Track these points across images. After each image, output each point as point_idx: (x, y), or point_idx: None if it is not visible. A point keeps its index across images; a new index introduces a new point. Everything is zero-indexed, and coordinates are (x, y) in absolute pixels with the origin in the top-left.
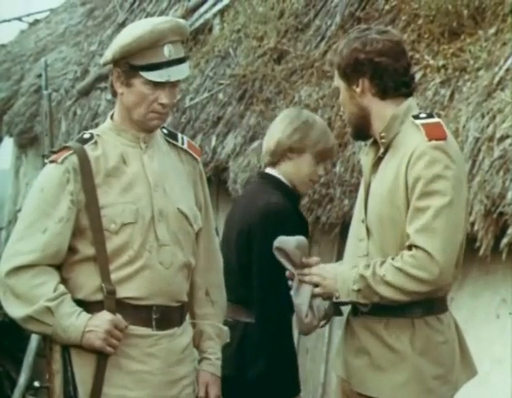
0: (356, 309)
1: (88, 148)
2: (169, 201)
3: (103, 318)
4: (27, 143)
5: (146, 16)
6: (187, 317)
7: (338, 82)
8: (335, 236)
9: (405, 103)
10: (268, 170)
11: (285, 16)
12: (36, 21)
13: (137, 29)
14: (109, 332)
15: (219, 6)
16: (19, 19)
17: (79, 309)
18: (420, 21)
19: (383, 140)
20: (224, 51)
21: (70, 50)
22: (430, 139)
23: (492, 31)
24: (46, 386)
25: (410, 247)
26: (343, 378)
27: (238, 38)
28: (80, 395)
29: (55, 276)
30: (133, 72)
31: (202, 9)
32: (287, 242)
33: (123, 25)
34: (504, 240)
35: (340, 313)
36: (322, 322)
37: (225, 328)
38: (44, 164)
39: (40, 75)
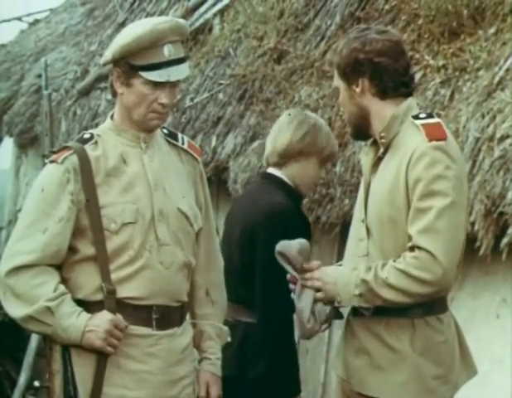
0: (356, 310)
1: (88, 147)
2: (169, 200)
3: (104, 318)
4: (27, 142)
5: (146, 16)
6: (187, 317)
7: (338, 82)
8: (336, 236)
9: (405, 103)
10: (271, 170)
11: (285, 16)
12: (36, 21)
13: (137, 29)
14: (109, 331)
15: (219, 6)
16: (19, 19)
17: (79, 309)
18: (420, 21)
19: (382, 140)
20: (224, 51)
21: (70, 50)
22: (430, 140)
23: (492, 31)
24: (46, 386)
25: (412, 248)
26: (343, 378)
27: (238, 38)
28: (80, 395)
29: (55, 276)
30: (133, 72)
31: (202, 9)
32: (289, 247)
33: (123, 25)
34: (505, 240)
35: (341, 317)
36: (324, 326)
37: (225, 328)
38: (44, 164)
39: (40, 75)
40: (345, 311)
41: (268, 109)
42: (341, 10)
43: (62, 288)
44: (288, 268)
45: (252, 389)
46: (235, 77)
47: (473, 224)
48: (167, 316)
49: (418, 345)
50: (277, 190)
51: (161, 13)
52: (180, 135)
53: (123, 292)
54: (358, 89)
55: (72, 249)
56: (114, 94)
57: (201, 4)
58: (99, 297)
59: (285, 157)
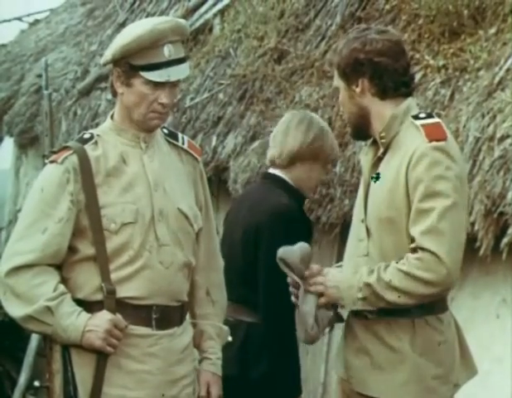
0: (359, 312)
1: (88, 147)
2: (169, 200)
3: (103, 318)
4: (28, 142)
5: (146, 16)
6: (187, 316)
7: (337, 82)
8: (336, 236)
9: (405, 103)
10: (274, 171)
11: (285, 16)
12: (37, 21)
13: (137, 29)
14: (109, 331)
15: (219, 6)
16: (19, 19)
17: (79, 309)
18: (420, 21)
19: (382, 140)
20: (225, 51)
21: (71, 50)
22: (430, 140)
23: (492, 31)
24: (46, 386)
25: (415, 250)
26: (343, 378)
27: (238, 38)
28: (80, 395)
29: (55, 276)
30: (133, 72)
31: (202, 9)
32: (291, 254)
33: (123, 25)
34: (505, 240)
35: (341, 320)
36: (326, 330)
37: (226, 328)
38: (44, 164)
39: (40, 75)
40: (345, 313)
41: (269, 109)
42: (342, 10)
43: (62, 287)
44: (290, 274)
45: (254, 389)
46: (236, 77)
47: (473, 224)
48: (167, 316)
49: (418, 345)
50: (281, 191)
51: (162, 13)
52: (180, 135)
53: (123, 292)
54: (358, 89)
55: (72, 249)
56: (114, 94)
57: (202, 4)
58: (98, 297)
59: (293, 160)
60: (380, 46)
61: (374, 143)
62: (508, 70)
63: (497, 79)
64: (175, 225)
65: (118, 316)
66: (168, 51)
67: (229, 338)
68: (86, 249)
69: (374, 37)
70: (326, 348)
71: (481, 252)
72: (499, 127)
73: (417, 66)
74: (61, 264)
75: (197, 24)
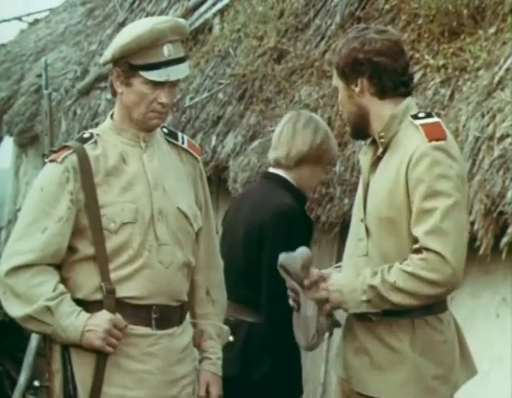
0: (362, 315)
1: (87, 147)
2: (169, 200)
3: (103, 318)
4: (27, 142)
5: (146, 16)
6: (187, 316)
7: (337, 81)
8: (335, 236)
9: (404, 102)
10: (275, 171)
11: (285, 15)
12: (36, 21)
13: (136, 28)
14: (109, 331)
15: (219, 5)
16: (19, 19)
17: (78, 309)
18: (420, 21)
19: (381, 140)
20: (224, 51)
21: (70, 49)
22: (430, 140)
23: (492, 30)
24: (46, 386)
25: (418, 250)
26: (343, 378)
27: (238, 38)
28: (80, 395)
29: (54, 275)
30: (133, 72)
31: (202, 9)
32: (293, 262)
33: (122, 24)
34: (504, 240)
35: (338, 325)
36: (325, 336)
37: (226, 328)
38: (44, 163)
39: (40, 75)
40: (343, 316)
41: (268, 108)
42: (341, 10)
43: (61, 287)
44: (290, 281)
45: (256, 389)
46: (235, 77)
47: (473, 223)
48: (167, 315)
49: (418, 345)
50: (283, 191)
51: (161, 13)
52: (180, 134)
53: (123, 291)
54: (357, 89)
55: (72, 249)
56: (114, 93)
57: (201, 4)
58: (98, 296)
59: (301, 161)
60: (379, 45)
61: (374, 142)
62: (507, 69)
63: (497, 78)
64: (174, 224)
65: (118, 316)
66: (168, 51)
67: (231, 338)
68: (86, 248)
69: (373, 37)
70: (326, 348)
71: (481, 251)
72: (499, 126)
73: (417, 66)
74: (61, 264)
75: (197, 24)
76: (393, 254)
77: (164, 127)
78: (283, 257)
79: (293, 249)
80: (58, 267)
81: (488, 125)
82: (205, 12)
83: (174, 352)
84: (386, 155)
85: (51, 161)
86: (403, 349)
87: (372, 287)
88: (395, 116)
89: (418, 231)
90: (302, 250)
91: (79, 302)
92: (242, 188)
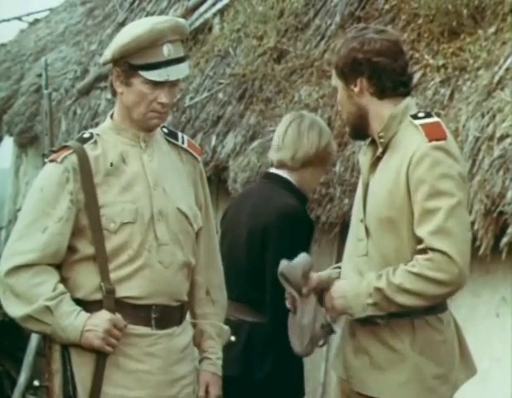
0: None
1: (87, 147)
2: (169, 200)
3: (102, 318)
4: (27, 142)
5: (146, 16)
6: (187, 316)
7: (336, 81)
8: (335, 236)
9: (403, 102)
10: (278, 172)
11: (285, 15)
12: (36, 21)
13: (136, 28)
14: (108, 331)
15: (218, 5)
16: (19, 18)
17: (78, 309)
18: (420, 21)
19: (381, 140)
20: (224, 51)
21: (70, 49)
22: (430, 140)
23: (492, 30)
24: (46, 385)
25: (424, 250)
26: (343, 378)
27: (238, 37)
28: (80, 395)
29: (54, 275)
30: (133, 71)
31: (202, 8)
32: (294, 271)
33: (122, 24)
34: (504, 240)
35: (334, 332)
36: (320, 343)
37: (226, 328)
38: (44, 163)
39: (40, 75)
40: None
41: (268, 108)
42: (341, 9)
43: (61, 287)
44: (289, 289)
45: (258, 389)
46: (235, 76)
47: (473, 223)
48: (167, 315)
49: (418, 344)
50: (285, 191)
51: (161, 13)
52: (180, 134)
53: (123, 291)
54: (356, 89)
55: (71, 249)
56: (114, 93)
57: (201, 4)
58: (98, 296)
59: (307, 163)
60: (379, 45)
61: (373, 142)
62: (507, 69)
63: (496, 78)
64: (174, 224)
65: (118, 315)
66: (167, 51)
67: (232, 338)
68: (85, 248)
69: (372, 37)
70: (326, 348)
71: (481, 251)
72: (499, 126)
73: (417, 66)
74: (61, 264)
75: (197, 23)
76: (393, 255)
77: (164, 127)
78: (284, 266)
79: (296, 249)
80: (58, 267)
81: (488, 125)
82: (205, 11)
83: (174, 352)
84: (386, 155)
85: (51, 161)
86: (403, 349)
87: (378, 289)
88: (395, 116)
89: (422, 231)
90: (303, 258)
91: (79, 302)
92: (242, 188)
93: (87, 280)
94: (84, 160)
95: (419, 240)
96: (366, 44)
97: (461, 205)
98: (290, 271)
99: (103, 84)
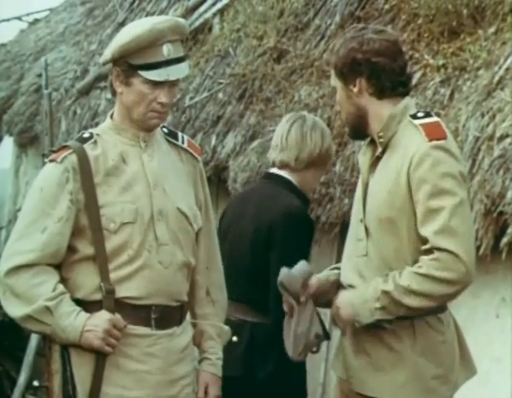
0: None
1: (87, 147)
2: (169, 200)
3: (102, 318)
4: (27, 142)
5: (146, 16)
6: (188, 316)
7: (335, 82)
8: (335, 236)
9: (402, 102)
10: (279, 172)
11: (285, 15)
12: (36, 21)
13: (136, 28)
14: (108, 331)
15: (218, 5)
16: (19, 18)
17: (77, 309)
18: (420, 21)
19: (381, 140)
20: (224, 51)
21: (70, 49)
22: (431, 139)
23: (492, 30)
24: (46, 386)
25: (429, 251)
26: (343, 378)
27: (237, 37)
28: (79, 395)
29: (54, 275)
30: (132, 71)
31: (202, 8)
32: (294, 281)
33: (122, 24)
34: (504, 240)
35: (328, 337)
36: (314, 349)
37: (226, 328)
38: (44, 163)
39: (40, 75)
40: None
41: (268, 108)
42: (341, 9)
43: (61, 287)
44: (288, 298)
45: (260, 389)
46: (235, 76)
47: (473, 223)
48: (166, 316)
49: (418, 345)
50: (288, 192)
51: (161, 13)
52: (180, 134)
53: (122, 291)
54: (355, 89)
55: (71, 249)
56: (114, 93)
57: (201, 3)
58: (97, 296)
59: (308, 164)
60: (378, 45)
61: (372, 142)
62: (507, 69)
63: (496, 78)
64: (174, 224)
65: (117, 316)
66: (167, 51)
67: (234, 338)
68: (85, 248)
69: (371, 37)
70: (326, 348)
71: (481, 251)
72: (499, 126)
73: (417, 66)
74: (61, 264)
75: (196, 23)
76: (393, 255)
77: (164, 127)
78: (284, 275)
79: (301, 250)
80: (58, 267)
81: (488, 125)
82: (205, 11)
83: (173, 352)
84: (385, 155)
85: (51, 161)
86: (403, 349)
87: (385, 292)
88: (394, 116)
89: (427, 231)
90: (302, 267)
91: (79, 302)
92: (242, 188)
93: (87, 280)
94: (83, 160)
95: (422, 240)
96: (365, 44)
97: (464, 203)
98: (290, 281)
99: (103, 84)
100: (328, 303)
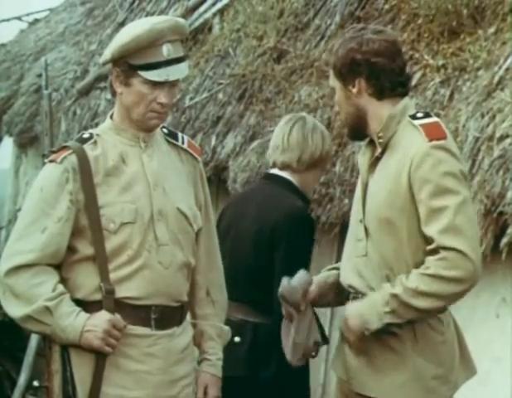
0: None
1: (87, 147)
2: (168, 200)
3: (102, 318)
4: (27, 142)
5: (145, 16)
6: (188, 316)
7: (334, 82)
8: (335, 236)
9: (401, 102)
10: (280, 173)
11: (285, 15)
12: (36, 21)
13: (135, 28)
14: (108, 331)
15: (218, 5)
16: (19, 18)
17: (77, 309)
18: (420, 21)
19: (380, 140)
20: (224, 51)
21: (70, 49)
22: (431, 139)
23: (492, 30)
24: (46, 386)
25: (435, 251)
26: (343, 379)
27: (237, 38)
28: (79, 395)
29: (54, 276)
30: (132, 71)
31: (202, 8)
32: (294, 293)
33: (122, 24)
34: (504, 240)
35: (327, 342)
36: (312, 354)
37: (226, 328)
38: (44, 164)
39: (40, 75)
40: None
41: (268, 108)
42: (341, 9)
43: (61, 287)
44: (290, 309)
45: (263, 389)
46: (235, 77)
47: None
48: (166, 316)
49: (419, 345)
50: (289, 192)
51: (161, 13)
52: (180, 134)
53: (122, 292)
54: (354, 90)
55: (71, 249)
56: (114, 93)
57: (201, 4)
58: (97, 297)
59: (310, 165)
60: (377, 46)
61: (371, 142)
62: (507, 69)
63: (496, 78)
64: (174, 224)
65: (117, 316)
66: (167, 51)
67: (237, 339)
68: (85, 249)
69: (370, 37)
70: (326, 348)
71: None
72: (499, 126)
73: (417, 66)
74: (60, 264)
75: (196, 23)
76: (393, 255)
77: (164, 127)
78: (285, 288)
79: (305, 250)
80: (57, 267)
81: (488, 125)
82: (205, 11)
83: (173, 353)
84: (385, 155)
85: (51, 161)
86: (403, 350)
87: (394, 296)
88: (393, 116)
89: (432, 231)
90: (302, 277)
91: (79, 302)
92: (242, 188)
93: (87, 281)
94: (83, 160)
95: (426, 240)
96: (364, 44)
97: (467, 201)
98: (291, 293)
99: (102, 85)
100: (327, 304)
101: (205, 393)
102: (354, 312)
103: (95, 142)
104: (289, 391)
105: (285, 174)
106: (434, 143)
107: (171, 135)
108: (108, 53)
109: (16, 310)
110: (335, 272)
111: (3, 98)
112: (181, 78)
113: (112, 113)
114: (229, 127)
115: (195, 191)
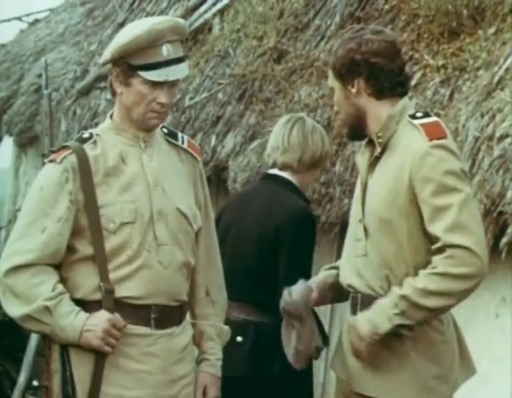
0: (355, 309)
1: (87, 147)
2: (168, 200)
3: (102, 318)
4: (27, 142)
5: (145, 16)
6: (187, 316)
7: (333, 82)
8: (335, 236)
9: (401, 102)
10: (280, 173)
11: (285, 15)
12: (36, 21)
13: (135, 28)
14: (107, 331)
15: (218, 5)
16: (19, 19)
17: (77, 309)
18: (420, 21)
19: (380, 140)
20: (224, 51)
21: (70, 49)
22: (431, 139)
23: (492, 30)
24: (45, 385)
25: (441, 249)
26: (342, 378)
27: (237, 38)
28: (79, 395)
29: (53, 275)
30: (132, 72)
31: (202, 9)
32: (296, 306)
33: (122, 25)
34: (504, 240)
35: (327, 343)
36: (315, 356)
37: (226, 328)
38: (43, 163)
39: (40, 75)
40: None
41: (268, 108)
42: (341, 10)
43: (60, 287)
44: (290, 319)
45: (266, 389)
46: (235, 77)
47: None
48: (166, 315)
49: (418, 345)
50: (290, 193)
51: (161, 13)
52: (180, 134)
53: (122, 291)
54: (354, 90)
55: (71, 249)
56: (114, 93)
57: (201, 4)
58: (97, 296)
59: (310, 166)
60: (376, 46)
61: (370, 142)
62: (507, 69)
63: (496, 78)
64: (174, 224)
65: (117, 315)
66: (167, 51)
67: (239, 338)
68: (85, 248)
69: (369, 38)
70: (326, 348)
71: None
72: (499, 126)
73: (417, 66)
74: (60, 264)
75: (196, 24)
76: (392, 255)
77: (164, 127)
78: (286, 303)
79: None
80: (57, 267)
81: (488, 125)
82: (205, 12)
83: (173, 352)
84: (384, 155)
85: (51, 161)
86: (403, 349)
87: (403, 297)
88: (393, 116)
89: (436, 229)
90: (302, 289)
91: (78, 302)
92: (241, 188)
93: (86, 280)
94: (83, 160)
95: (429, 240)
96: (364, 45)
97: (470, 199)
98: (293, 307)
99: (102, 85)
100: (327, 303)
101: (205, 393)
102: (362, 319)
103: (95, 142)
104: (293, 390)
105: (285, 174)
106: (434, 142)
107: (171, 135)
108: (107, 53)
109: (15, 310)
110: (333, 272)
111: (3, 98)
112: (181, 78)
113: (112, 113)
114: (228, 127)
115: (195, 190)
